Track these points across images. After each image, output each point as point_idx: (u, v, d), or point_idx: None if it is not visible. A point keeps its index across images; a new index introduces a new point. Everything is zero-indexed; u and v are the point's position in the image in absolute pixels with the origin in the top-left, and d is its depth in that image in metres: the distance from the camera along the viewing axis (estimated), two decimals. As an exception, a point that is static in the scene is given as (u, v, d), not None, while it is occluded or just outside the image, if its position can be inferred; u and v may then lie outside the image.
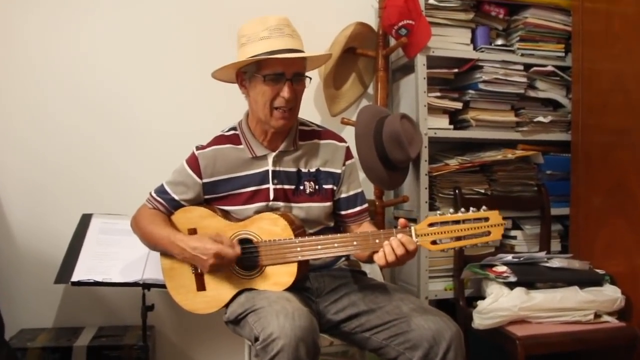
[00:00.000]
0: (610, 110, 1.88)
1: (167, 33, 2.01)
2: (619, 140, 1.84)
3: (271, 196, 1.39)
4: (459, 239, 1.18)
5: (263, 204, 1.39)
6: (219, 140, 1.44)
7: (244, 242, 1.35)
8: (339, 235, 1.29)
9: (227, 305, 1.37)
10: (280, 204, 1.40)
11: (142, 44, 1.99)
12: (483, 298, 1.78)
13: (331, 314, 1.38)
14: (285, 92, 1.32)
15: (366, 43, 2.07)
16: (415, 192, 1.96)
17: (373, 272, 1.68)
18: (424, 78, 1.91)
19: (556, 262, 1.82)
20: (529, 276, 1.76)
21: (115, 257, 1.65)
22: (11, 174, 1.88)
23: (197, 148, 1.43)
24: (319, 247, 1.28)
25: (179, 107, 2.02)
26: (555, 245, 2.10)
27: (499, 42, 2.07)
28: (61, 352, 1.63)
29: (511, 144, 2.07)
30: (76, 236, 1.71)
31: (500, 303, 1.68)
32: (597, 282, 1.80)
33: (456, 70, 2.01)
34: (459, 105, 2.01)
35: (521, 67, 2.03)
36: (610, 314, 1.74)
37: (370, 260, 1.30)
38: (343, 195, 1.47)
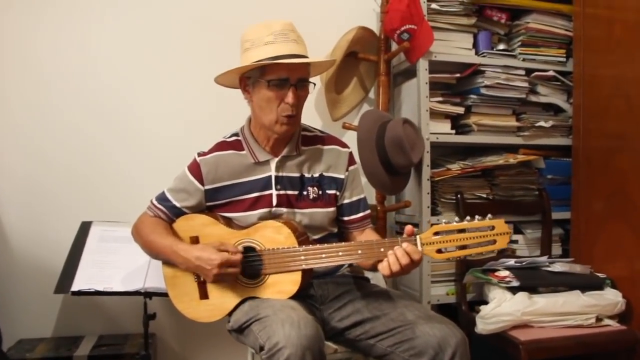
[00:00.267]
0: (611, 115, 1.88)
1: (170, 38, 2.00)
2: (619, 145, 1.85)
3: (274, 202, 1.38)
4: (464, 247, 1.17)
5: (266, 210, 1.38)
6: (221, 146, 1.43)
7: (247, 250, 1.33)
8: (343, 243, 1.29)
9: (230, 314, 1.36)
10: (284, 209, 1.39)
11: (146, 49, 1.98)
12: (485, 302, 1.79)
13: (335, 321, 1.37)
14: (290, 98, 1.32)
15: (368, 47, 2.07)
16: (417, 197, 1.95)
17: (376, 278, 1.67)
18: (426, 83, 1.91)
19: (558, 267, 1.82)
20: (532, 281, 1.76)
21: (116, 265, 1.63)
22: (9, 180, 1.86)
23: (199, 154, 1.42)
24: (323, 255, 1.27)
25: (181, 112, 2.00)
26: (556, 249, 2.11)
27: (501, 47, 2.07)
28: (61, 363, 1.61)
29: (513, 149, 2.07)
30: (75, 244, 1.69)
31: (503, 308, 1.68)
32: (598, 286, 1.80)
33: (458, 75, 2.01)
34: (460, 110, 2.01)
35: (523, 72, 2.03)
36: (611, 317, 1.75)
37: (374, 268, 1.30)
38: (346, 201, 1.46)
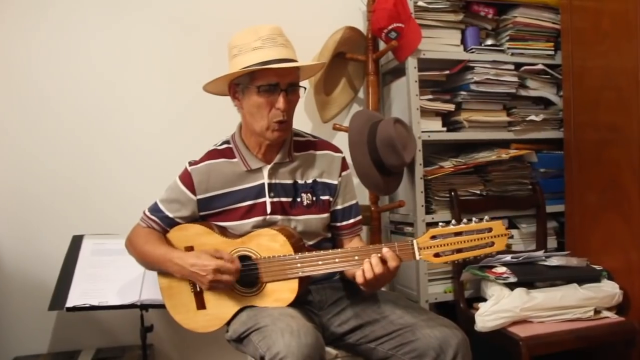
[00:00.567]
0: (602, 107, 1.88)
1: (162, 48, 1.97)
2: (611, 137, 1.85)
3: (268, 210, 1.37)
4: (462, 250, 1.16)
5: (260, 218, 1.37)
6: (212, 154, 1.41)
7: (243, 259, 1.32)
8: (340, 250, 1.28)
9: (228, 323, 1.35)
10: (278, 217, 1.37)
11: (139, 59, 1.95)
12: (483, 299, 1.79)
13: (335, 326, 1.36)
14: (280, 103, 1.30)
15: (355, 47, 2.05)
16: (411, 196, 1.94)
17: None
18: (416, 81, 1.90)
19: (554, 261, 1.82)
20: (529, 276, 1.76)
21: (110, 278, 1.61)
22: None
23: (190, 164, 1.40)
24: (320, 262, 1.26)
25: (174, 123, 1.98)
26: (552, 242, 2.11)
27: (489, 42, 2.07)
28: (59, 378, 1.60)
29: (504, 144, 2.07)
30: (68, 259, 1.66)
31: (502, 305, 1.68)
32: (595, 278, 1.81)
33: (447, 71, 2.00)
34: (451, 107, 2.01)
35: (512, 67, 2.03)
36: (609, 309, 1.76)
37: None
38: (339, 207, 1.45)
